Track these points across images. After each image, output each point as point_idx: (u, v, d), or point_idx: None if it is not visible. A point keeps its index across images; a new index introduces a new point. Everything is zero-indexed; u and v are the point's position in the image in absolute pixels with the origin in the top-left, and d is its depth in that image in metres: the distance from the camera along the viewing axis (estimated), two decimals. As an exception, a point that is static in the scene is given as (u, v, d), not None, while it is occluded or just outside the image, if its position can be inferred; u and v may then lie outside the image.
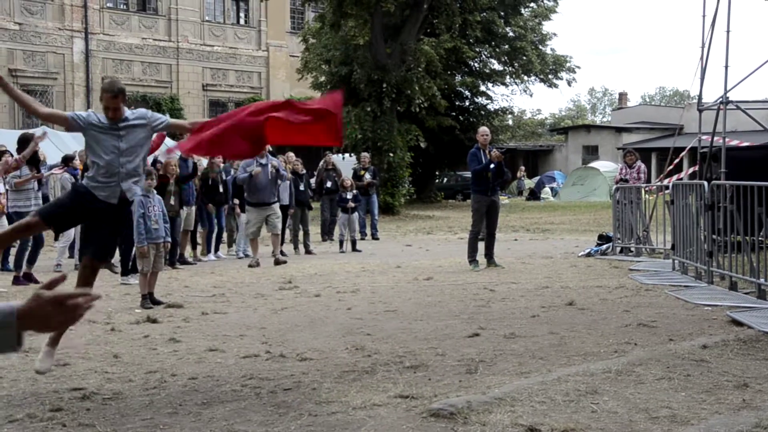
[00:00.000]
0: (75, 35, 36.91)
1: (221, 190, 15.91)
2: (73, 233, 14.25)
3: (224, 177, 16.15)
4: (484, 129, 14.28)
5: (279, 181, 15.20)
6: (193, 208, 15.22)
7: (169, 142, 15.82)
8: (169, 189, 14.44)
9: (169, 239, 11.21)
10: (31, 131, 16.37)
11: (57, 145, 21.18)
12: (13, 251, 13.92)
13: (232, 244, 17.05)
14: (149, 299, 10.11)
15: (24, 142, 13.10)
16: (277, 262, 14.00)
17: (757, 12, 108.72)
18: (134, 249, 11.27)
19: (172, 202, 14.49)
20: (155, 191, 10.82)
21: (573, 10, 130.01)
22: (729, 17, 15.71)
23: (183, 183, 14.82)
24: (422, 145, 32.68)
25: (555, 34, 54.12)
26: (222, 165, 16.13)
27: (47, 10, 36.25)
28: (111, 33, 38.13)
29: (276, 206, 15.01)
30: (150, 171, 10.93)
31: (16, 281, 12.28)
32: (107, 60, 38.04)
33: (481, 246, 13.75)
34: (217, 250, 16.30)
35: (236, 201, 16.24)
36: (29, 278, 12.39)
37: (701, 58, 16.15)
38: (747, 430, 4.89)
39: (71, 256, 14.50)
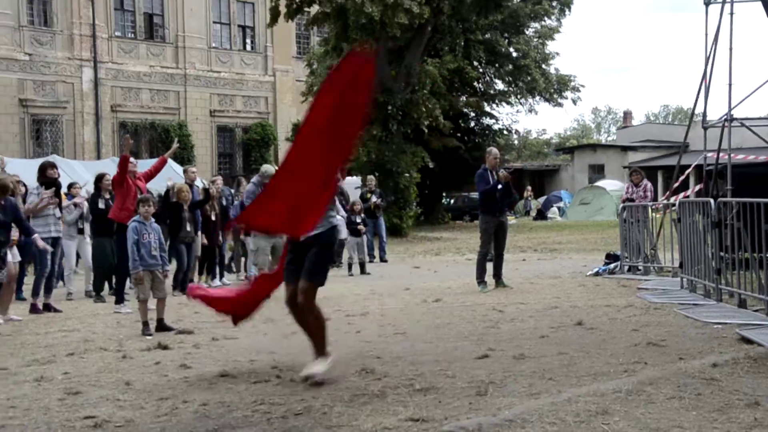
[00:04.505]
0: (84, 64, 37.05)
1: (217, 215, 15.83)
2: (73, 262, 14.33)
3: (224, 203, 16.12)
4: (495, 151, 14.19)
5: None
6: (200, 233, 15.20)
7: (174, 165, 15.96)
8: (184, 215, 14.44)
9: (168, 267, 11.04)
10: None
11: (69, 174, 21.29)
12: (26, 279, 14.00)
13: (240, 269, 17.04)
14: (157, 326, 10.10)
15: (43, 170, 13.27)
16: None
17: (760, 29, 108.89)
18: (128, 278, 11.28)
19: (188, 228, 14.50)
20: (153, 219, 10.67)
21: (575, 30, 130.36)
22: (731, 35, 15.72)
23: (195, 209, 14.82)
24: (430, 165, 32.67)
25: (558, 54, 54.30)
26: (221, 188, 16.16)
27: (56, 41, 36.42)
28: (119, 61, 38.29)
29: None
30: (147, 198, 10.90)
31: (34, 310, 12.27)
32: (116, 88, 38.17)
33: (490, 267, 13.74)
34: (222, 276, 16.30)
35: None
36: (48, 308, 12.40)
37: (704, 75, 16.15)
38: (759, 449, 4.87)
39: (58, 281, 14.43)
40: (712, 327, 9.16)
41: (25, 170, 17.86)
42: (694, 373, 6.86)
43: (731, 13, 15.64)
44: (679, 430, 5.29)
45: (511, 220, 25.46)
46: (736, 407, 5.81)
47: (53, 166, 13.64)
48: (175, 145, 15.62)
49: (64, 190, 14.39)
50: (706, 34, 16.14)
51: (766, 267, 9.94)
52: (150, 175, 14.05)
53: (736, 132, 15.79)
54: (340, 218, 7.41)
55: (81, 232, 14.43)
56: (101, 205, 13.78)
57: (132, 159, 13.20)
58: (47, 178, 13.09)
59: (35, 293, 12.54)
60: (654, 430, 5.31)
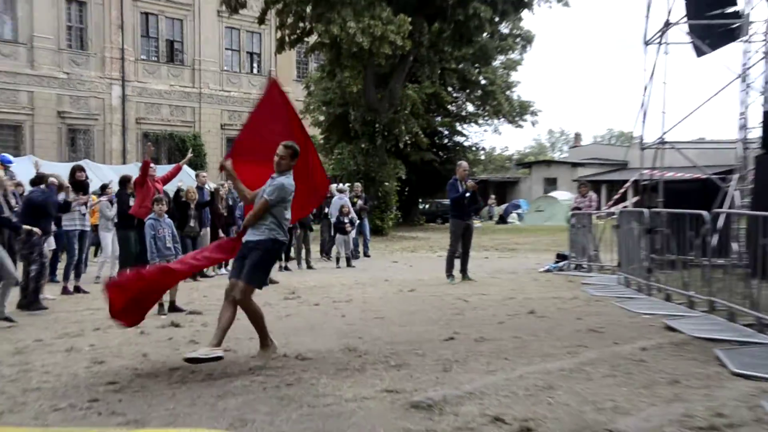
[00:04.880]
0: (113, 82, 36.93)
1: (225, 213, 15.81)
2: (110, 251, 14.25)
3: (230, 202, 16.08)
4: (464, 164, 14.18)
5: None
6: (208, 229, 15.18)
7: (189, 170, 15.92)
8: (190, 213, 14.44)
9: (180, 256, 11.05)
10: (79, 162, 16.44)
11: (99, 176, 21.17)
12: (59, 265, 13.95)
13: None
14: (169, 307, 10.09)
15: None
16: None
17: (690, 66, 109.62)
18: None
19: (192, 224, 14.49)
20: (166, 216, 10.69)
21: (536, 62, 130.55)
22: (665, 71, 15.92)
23: (201, 208, 14.81)
24: (403, 176, 32.63)
25: (520, 82, 54.45)
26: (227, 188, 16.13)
27: (90, 62, 36.30)
28: (144, 80, 38.17)
29: None
30: (161, 198, 10.91)
31: (65, 291, 12.23)
32: (140, 103, 38.04)
33: (457, 263, 13.77)
34: (227, 264, 16.18)
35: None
36: (78, 290, 12.36)
37: (642, 104, 16.29)
38: (677, 419, 4.93)
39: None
40: (642, 317, 9.24)
41: (59, 171, 17.77)
42: (626, 355, 6.92)
43: (666, 53, 15.81)
44: (612, 403, 5.35)
45: (477, 223, 25.45)
46: (660, 384, 5.87)
47: (81, 169, 13.58)
48: (189, 155, 15.64)
49: (92, 190, 14.33)
50: (645, 70, 16.31)
51: (689, 268, 10.04)
52: (167, 179, 14.01)
53: (668, 153, 15.94)
54: (284, 237, 7.11)
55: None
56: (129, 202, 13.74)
57: (152, 164, 13.17)
58: (75, 179, 13.04)
59: (66, 277, 12.50)
60: (591, 402, 5.35)
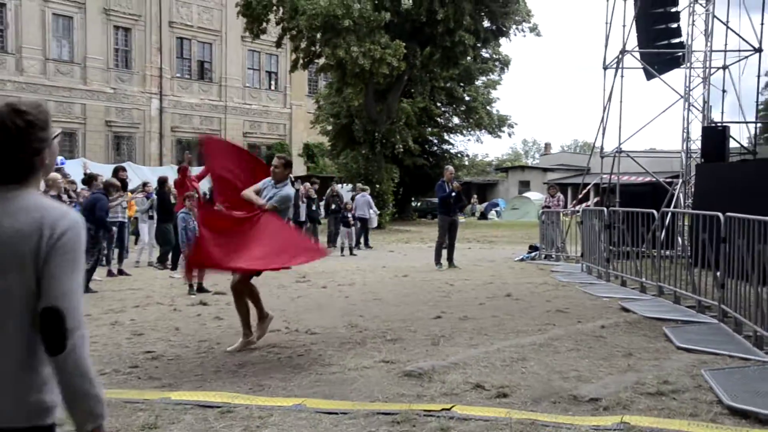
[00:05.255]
0: (152, 96, 36.92)
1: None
2: (146, 239, 14.22)
3: None
4: (451, 168, 14.18)
5: (301, 203, 15.18)
6: None
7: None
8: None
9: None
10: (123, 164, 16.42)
11: (139, 176, 21.16)
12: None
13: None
14: (197, 288, 10.08)
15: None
16: None
17: (642, 86, 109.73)
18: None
19: None
20: (196, 210, 10.63)
21: (513, 82, 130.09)
22: (621, 89, 15.94)
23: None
24: (397, 179, 32.52)
25: (499, 98, 54.40)
26: None
27: (133, 79, 36.32)
28: (178, 95, 38.11)
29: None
30: (192, 194, 10.92)
31: (110, 274, 12.20)
32: (175, 114, 37.99)
33: (444, 252, 13.77)
34: None
35: None
36: (121, 273, 12.34)
37: (602, 119, 16.30)
38: (631, 386, 4.93)
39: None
40: (602, 299, 9.24)
41: (105, 172, 17.76)
42: (588, 332, 6.93)
43: (622, 76, 15.83)
44: (576, 372, 5.35)
45: (461, 219, 25.39)
46: (616, 356, 5.88)
47: (123, 169, 13.60)
48: None
49: (131, 188, 14.33)
50: (604, 89, 16.29)
51: (640, 258, 10.05)
52: (201, 177, 14.12)
53: (624, 161, 15.94)
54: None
55: (151, 218, 14.36)
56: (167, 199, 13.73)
57: (189, 168, 13.44)
58: (118, 177, 13.03)
59: (110, 262, 12.48)
60: (558, 372, 5.36)
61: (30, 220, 1.81)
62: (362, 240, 18.98)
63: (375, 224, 17.23)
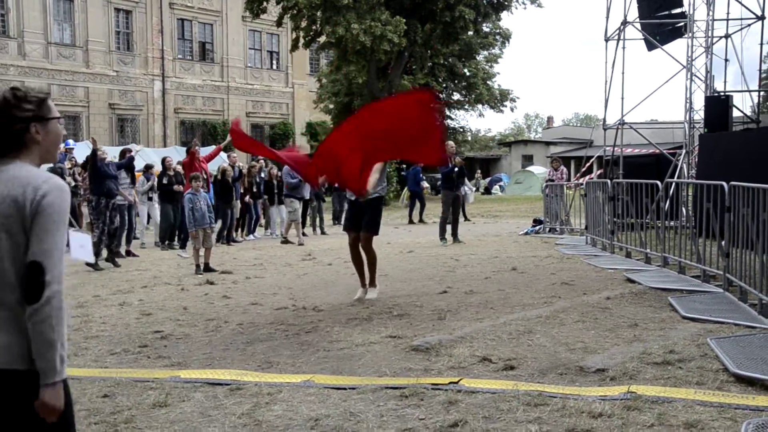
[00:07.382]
0: (155, 78, 36.77)
1: (254, 189, 15.77)
2: (145, 221, 14.41)
3: (258, 180, 15.97)
4: (452, 144, 14.14)
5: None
6: (238, 201, 15.15)
7: (222, 153, 15.83)
8: (235, 186, 14.67)
9: (214, 225, 11.23)
10: (129, 146, 16.39)
11: (143, 158, 21.10)
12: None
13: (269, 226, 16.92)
14: (204, 268, 10.08)
15: (123, 154, 13.29)
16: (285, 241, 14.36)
17: (644, 57, 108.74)
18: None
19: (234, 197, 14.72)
20: (202, 190, 10.61)
21: (514, 55, 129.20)
22: (624, 62, 15.77)
23: (234, 183, 14.76)
24: None
25: (500, 73, 54.06)
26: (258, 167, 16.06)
27: (136, 61, 36.15)
28: (180, 76, 37.92)
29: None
30: (198, 176, 10.88)
31: (119, 256, 12.19)
32: (177, 96, 37.84)
33: (449, 227, 13.74)
34: (253, 231, 16.15)
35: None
36: (129, 253, 12.34)
37: (605, 91, 16.17)
38: (637, 356, 4.92)
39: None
40: (606, 271, 9.22)
41: (111, 153, 17.74)
42: (593, 303, 6.91)
43: (623, 47, 15.66)
44: (582, 344, 5.34)
45: (471, 195, 25.40)
46: (622, 327, 5.86)
47: (129, 151, 13.60)
48: (228, 140, 15.61)
49: (138, 169, 14.34)
50: (606, 62, 16.13)
51: (645, 229, 10.01)
52: (210, 158, 14.35)
53: (627, 133, 15.82)
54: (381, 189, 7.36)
55: (150, 199, 14.43)
56: (164, 180, 13.69)
57: (198, 150, 13.64)
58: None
59: (119, 244, 12.48)
60: (564, 344, 5.35)
61: (18, 187, 2.02)
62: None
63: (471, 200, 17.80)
